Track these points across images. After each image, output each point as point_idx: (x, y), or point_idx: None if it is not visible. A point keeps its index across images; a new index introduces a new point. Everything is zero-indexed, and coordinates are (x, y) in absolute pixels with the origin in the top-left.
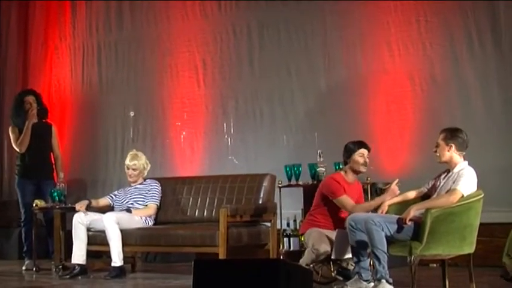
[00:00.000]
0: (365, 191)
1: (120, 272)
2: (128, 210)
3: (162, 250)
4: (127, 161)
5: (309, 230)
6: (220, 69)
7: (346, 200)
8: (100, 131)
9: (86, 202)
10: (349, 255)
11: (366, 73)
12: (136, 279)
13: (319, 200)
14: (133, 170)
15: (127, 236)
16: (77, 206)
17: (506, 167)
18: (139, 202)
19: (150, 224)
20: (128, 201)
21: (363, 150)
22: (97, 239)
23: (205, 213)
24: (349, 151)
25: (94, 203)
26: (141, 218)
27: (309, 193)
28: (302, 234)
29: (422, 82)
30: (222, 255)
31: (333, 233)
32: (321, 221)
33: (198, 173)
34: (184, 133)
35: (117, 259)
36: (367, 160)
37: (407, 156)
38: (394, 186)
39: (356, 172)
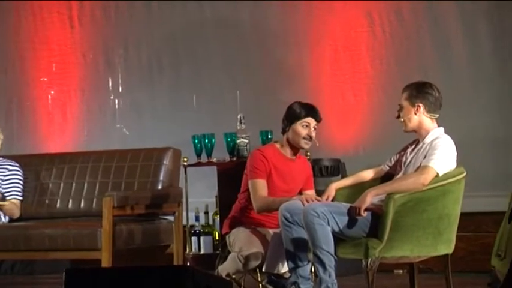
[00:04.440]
0: None
1: None
2: (3, 199)
3: (22, 257)
4: None
5: (235, 228)
6: (103, 3)
7: (259, 185)
8: None
9: None
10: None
11: (306, 9)
12: None
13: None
14: None
15: None
16: None
17: (499, 137)
18: None
19: (3, 220)
20: None
21: (310, 120)
22: None
23: (82, 205)
24: (291, 116)
25: None
26: None
27: (225, 174)
28: (225, 235)
29: (384, 21)
30: (106, 262)
31: (270, 232)
32: (253, 214)
33: (72, 148)
34: (52, 92)
35: None
36: (313, 134)
37: (363, 124)
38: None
39: (294, 147)
